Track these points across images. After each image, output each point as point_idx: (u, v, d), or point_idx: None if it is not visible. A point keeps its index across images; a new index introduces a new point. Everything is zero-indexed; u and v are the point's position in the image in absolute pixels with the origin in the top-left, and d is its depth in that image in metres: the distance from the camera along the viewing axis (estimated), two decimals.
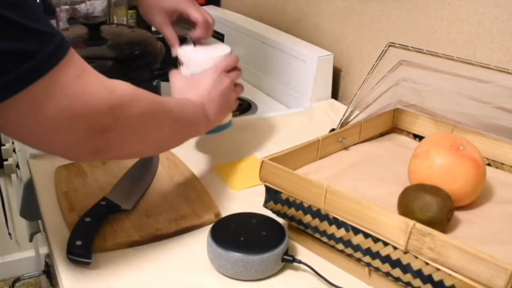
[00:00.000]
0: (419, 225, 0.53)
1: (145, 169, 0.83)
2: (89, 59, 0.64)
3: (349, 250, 0.60)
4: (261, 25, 1.34)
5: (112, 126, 0.55)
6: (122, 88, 0.56)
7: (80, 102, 0.51)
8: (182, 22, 0.92)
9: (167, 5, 0.89)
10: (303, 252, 0.68)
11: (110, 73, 0.55)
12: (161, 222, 0.71)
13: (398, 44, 0.78)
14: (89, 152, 0.56)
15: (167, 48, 1.05)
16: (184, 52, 0.86)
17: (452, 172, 0.66)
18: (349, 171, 0.75)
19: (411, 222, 0.53)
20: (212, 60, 0.84)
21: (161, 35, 0.94)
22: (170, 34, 0.90)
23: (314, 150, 0.76)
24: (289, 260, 0.63)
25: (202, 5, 1.60)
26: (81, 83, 0.51)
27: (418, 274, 0.54)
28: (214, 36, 1.48)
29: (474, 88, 0.73)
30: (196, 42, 0.90)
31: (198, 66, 0.84)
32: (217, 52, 0.86)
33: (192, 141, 0.96)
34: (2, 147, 1.42)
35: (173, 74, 0.82)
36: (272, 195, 0.67)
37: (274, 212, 0.68)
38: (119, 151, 0.60)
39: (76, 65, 0.51)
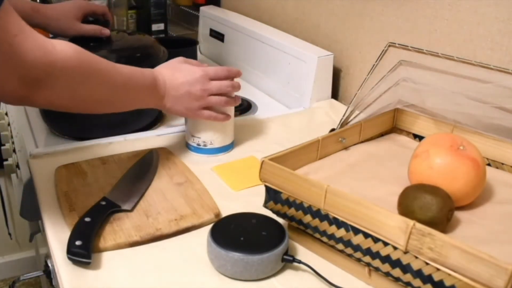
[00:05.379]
0: (419, 225, 0.53)
1: (145, 169, 0.83)
2: None
3: (349, 250, 0.60)
4: (261, 25, 1.34)
5: (43, 81, 0.62)
6: (61, 48, 0.64)
7: (14, 58, 0.58)
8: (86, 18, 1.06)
9: (72, 10, 1.03)
10: (303, 252, 0.68)
11: None
12: (161, 222, 0.71)
13: (398, 44, 0.78)
14: (18, 99, 0.64)
15: (169, 50, 1.06)
16: None
17: (452, 172, 0.66)
18: (349, 171, 0.75)
19: (411, 222, 0.53)
20: None
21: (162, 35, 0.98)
22: (89, 27, 1.04)
23: (314, 150, 0.76)
24: (289, 260, 0.63)
25: (202, 5, 1.60)
26: (17, 41, 0.58)
27: (418, 274, 0.54)
28: (214, 36, 1.48)
29: (474, 88, 0.73)
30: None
31: None
32: None
33: None
34: (2, 147, 1.42)
35: (179, 57, 0.89)
36: (272, 195, 0.67)
37: (274, 212, 0.68)
38: (47, 102, 0.67)
39: (13, 25, 0.58)
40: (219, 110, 0.88)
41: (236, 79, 0.91)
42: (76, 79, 0.67)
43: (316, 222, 0.63)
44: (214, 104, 0.86)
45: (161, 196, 0.77)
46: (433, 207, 0.61)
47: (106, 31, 1.03)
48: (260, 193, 0.70)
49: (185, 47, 1.38)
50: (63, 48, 0.64)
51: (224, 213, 0.74)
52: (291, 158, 0.71)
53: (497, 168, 0.77)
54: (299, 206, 0.64)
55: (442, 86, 0.77)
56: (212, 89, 0.85)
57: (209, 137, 0.90)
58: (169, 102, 0.83)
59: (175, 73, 0.84)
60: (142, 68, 0.80)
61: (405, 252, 0.54)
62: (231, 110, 0.91)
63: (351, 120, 0.82)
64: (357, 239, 0.59)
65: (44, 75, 0.62)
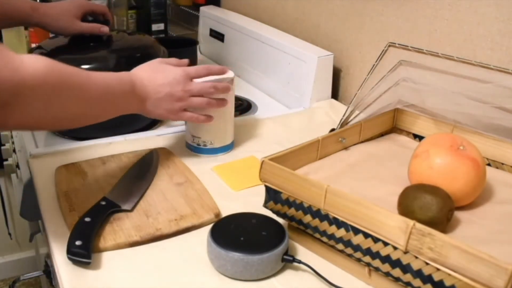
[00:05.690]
0: (419, 225, 0.53)
1: (145, 169, 0.83)
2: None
3: (349, 250, 0.60)
4: (261, 25, 1.34)
5: (13, 102, 0.57)
6: (31, 66, 0.58)
7: None
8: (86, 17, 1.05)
9: (71, 9, 1.02)
10: (303, 252, 0.68)
11: None
12: (161, 222, 0.71)
13: (398, 44, 0.78)
14: None
15: (169, 50, 1.07)
16: None
17: (452, 172, 0.66)
18: (349, 171, 0.75)
19: (411, 222, 0.53)
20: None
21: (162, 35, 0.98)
22: (88, 25, 1.02)
23: (314, 150, 0.76)
24: (289, 260, 0.63)
25: (202, 5, 1.60)
26: None
27: (418, 274, 0.54)
28: (214, 36, 1.48)
29: (474, 88, 0.73)
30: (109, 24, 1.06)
31: None
32: (213, 78, 0.88)
33: None
34: (2, 147, 1.42)
35: (157, 58, 0.86)
36: (272, 195, 0.67)
37: (274, 212, 0.68)
38: (20, 124, 0.62)
39: None
40: (202, 111, 0.86)
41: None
42: (49, 96, 0.61)
43: (316, 222, 0.63)
44: (196, 105, 0.84)
45: (161, 196, 0.77)
46: (433, 207, 0.61)
47: (105, 29, 1.03)
48: (260, 193, 0.70)
49: (185, 47, 1.38)
50: (33, 63, 0.58)
51: (224, 213, 0.74)
52: (291, 158, 0.71)
53: (497, 168, 0.77)
54: (299, 206, 0.64)
55: (442, 86, 0.77)
56: (193, 90, 0.83)
57: (209, 137, 0.90)
58: (150, 105, 0.80)
59: (155, 74, 0.81)
60: (122, 72, 0.77)
61: (405, 252, 0.54)
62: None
63: (351, 120, 0.82)
64: (357, 239, 0.59)
65: (13, 96, 0.56)
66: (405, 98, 0.84)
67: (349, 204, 0.58)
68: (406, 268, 0.55)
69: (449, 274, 0.51)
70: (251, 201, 0.75)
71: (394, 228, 0.54)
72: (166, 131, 1.00)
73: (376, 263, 0.58)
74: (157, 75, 0.81)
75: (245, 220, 0.67)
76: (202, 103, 0.84)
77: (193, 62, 1.40)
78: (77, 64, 0.95)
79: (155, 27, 1.59)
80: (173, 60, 0.86)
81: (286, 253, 0.63)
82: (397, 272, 0.56)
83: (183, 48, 1.37)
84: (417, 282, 0.54)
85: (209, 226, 0.66)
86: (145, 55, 1.01)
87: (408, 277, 0.55)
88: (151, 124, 1.05)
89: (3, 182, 1.89)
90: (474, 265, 0.49)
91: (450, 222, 0.63)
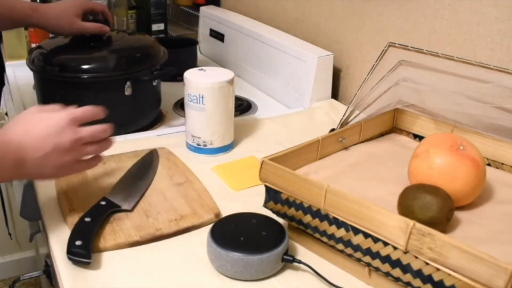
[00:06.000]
0: (419, 225, 0.53)
1: (145, 169, 0.83)
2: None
3: (349, 250, 0.60)
4: (261, 25, 1.34)
5: None
6: None
7: None
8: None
9: (71, 8, 1.01)
10: (303, 252, 0.68)
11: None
12: (161, 222, 0.71)
13: (398, 44, 0.78)
14: None
15: (169, 50, 1.07)
16: (187, 74, 0.90)
17: (452, 172, 0.66)
18: (349, 171, 0.75)
19: (411, 222, 0.53)
20: (204, 85, 0.86)
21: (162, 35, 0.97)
22: (89, 24, 1.02)
23: (314, 150, 0.76)
24: (289, 260, 0.63)
25: (202, 5, 1.60)
26: None
27: (418, 274, 0.54)
28: (214, 36, 1.48)
29: (474, 88, 0.73)
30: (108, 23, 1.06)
31: (192, 89, 0.88)
32: (213, 78, 0.88)
33: None
34: None
35: (32, 107, 0.69)
36: (272, 195, 0.67)
37: (274, 212, 0.68)
38: None
39: None
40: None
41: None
42: None
43: (316, 222, 0.63)
44: (89, 154, 0.71)
45: (161, 196, 0.77)
46: (433, 207, 0.61)
47: (106, 29, 1.03)
48: (260, 193, 0.70)
49: (185, 47, 1.38)
50: None
51: (224, 213, 0.74)
52: (291, 158, 0.71)
53: (497, 168, 0.77)
54: (299, 206, 0.64)
55: (442, 86, 0.77)
56: (85, 137, 0.68)
57: (209, 137, 0.90)
58: (33, 167, 0.64)
59: (33, 128, 0.65)
60: None
61: (405, 252, 0.54)
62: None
63: (351, 120, 0.82)
64: (357, 239, 0.59)
65: None
66: (405, 98, 0.84)
67: (349, 204, 0.58)
68: (406, 268, 0.55)
69: (449, 274, 0.51)
70: (251, 201, 0.75)
71: (394, 228, 0.54)
72: (166, 131, 1.00)
73: (376, 263, 0.58)
74: (36, 127, 0.65)
75: (245, 220, 0.67)
76: (97, 150, 0.71)
77: (193, 62, 1.40)
78: (77, 64, 0.96)
79: (155, 27, 1.59)
80: (54, 106, 0.69)
81: (286, 253, 0.63)
82: (397, 272, 0.56)
83: (183, 48, 1.37)
84: (417, 282, 0.54)
85: (209, 226, 0.66)
86: (145, 55, 1.02)
87: (408, 277, 0.55)
88: (151, 124, 1.05)
89: None
90: (474, 265, 0.49)
91: (450, 222, 0.63)
